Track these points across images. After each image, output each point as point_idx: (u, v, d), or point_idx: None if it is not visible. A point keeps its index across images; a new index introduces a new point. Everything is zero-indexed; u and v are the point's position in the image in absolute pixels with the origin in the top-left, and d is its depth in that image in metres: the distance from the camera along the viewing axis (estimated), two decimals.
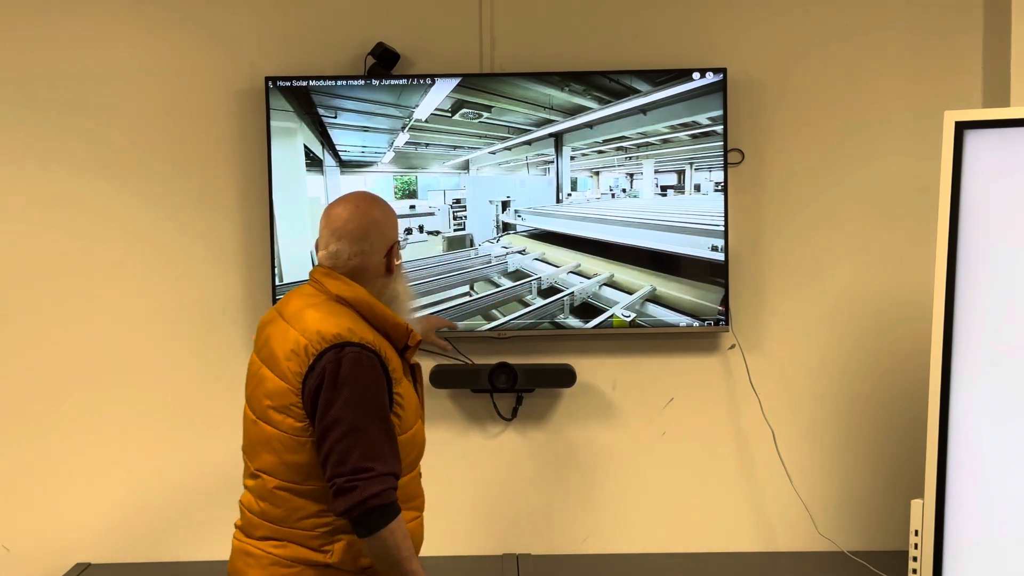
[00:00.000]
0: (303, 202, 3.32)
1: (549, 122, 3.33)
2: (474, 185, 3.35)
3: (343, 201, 2.28)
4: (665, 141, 3.33)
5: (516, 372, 3.34)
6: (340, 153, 3.32)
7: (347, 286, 2.21)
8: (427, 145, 3.33)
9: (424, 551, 3.43)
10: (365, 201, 2.28)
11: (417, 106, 3.31)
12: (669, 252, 3.35)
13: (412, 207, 3.35)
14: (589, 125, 3.33)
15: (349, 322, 2.15)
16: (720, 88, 3.31)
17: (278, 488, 2.17)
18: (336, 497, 2.08)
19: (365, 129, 3.33)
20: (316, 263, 2.31)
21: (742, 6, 3.41)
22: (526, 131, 3.34)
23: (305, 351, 2.12)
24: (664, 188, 3.34)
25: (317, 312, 2.17)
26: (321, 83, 3.29)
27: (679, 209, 3.34)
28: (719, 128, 3.31)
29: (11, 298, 3.40)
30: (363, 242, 2.23)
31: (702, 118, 3.31)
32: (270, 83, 3.29)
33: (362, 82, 3.30)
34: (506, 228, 3.37)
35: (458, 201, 3.36)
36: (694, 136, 3.32)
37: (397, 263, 2.29)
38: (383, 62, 3.31)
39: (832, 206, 3.44)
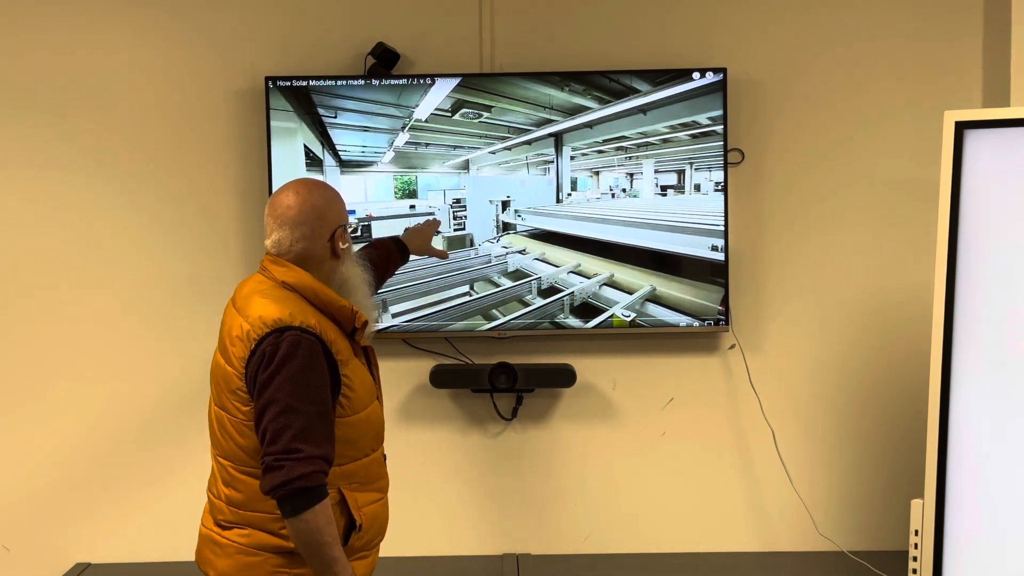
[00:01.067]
0: None
1: (549, 122, 3.33)
2: (474, 185, 3.35)
3: (285, 189, 2.30)
4: (665, 141, 3.33)
5: (516, 372, 3.34)
6: (340, 153, 3.32)
7: (291, 272, 2.22)
8: (427, 145, 3.33)
9: (425, 551, 3.45)
10: (305, 187, 2.28)
11: (417, 106, 3.31)
12: (669, 252, 3.35)
13: (412, 207, 3.35)
14: (589, 125, 3.33)
15: (292, 307, 2.16)
16: (720, 88, 3.31)
17: (236, 471, 2.20)
18: (264, 474, 2.09)
19: (365, 129, 3.33)
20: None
21: (742, 6, 3.41)
22: (526, 131, 3.34)
23: (247, 336, 2.14)
24: (664, 188, 3.34)
25: (262, 298, 2.19)
26: (321, 83, 3.29)
27: (679, 209, 3.34)
28: (719, 128, 3.31)
29: (10, 299, 3.40)
30: (303, 227, 2.24)
31: (702, 118, 3.31)
32: (270, 83, 3.29)
33: (362, 82, 3.30)
34: (506, 228, 3.37)
35: (458, 201, 3.36)
36: (694, 136, 3.32)
37: (343, 247, 2.29)
38: (383, 62, 3.31)
39: (832, 205, 3.44)
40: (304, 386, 2.10)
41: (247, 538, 2.19)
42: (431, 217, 3.27)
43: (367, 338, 2.34)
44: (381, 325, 3.31)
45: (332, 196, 2.31)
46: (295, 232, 2.24)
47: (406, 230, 2.92)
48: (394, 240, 2.83)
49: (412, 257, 2.88)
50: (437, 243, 3.34)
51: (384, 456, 2.37)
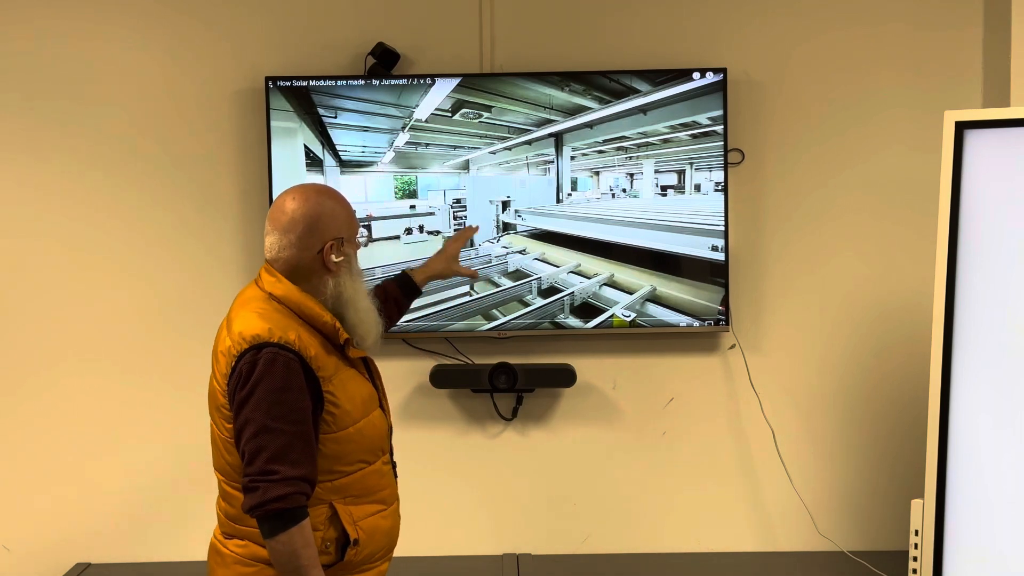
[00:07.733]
0: None
1: (549, 122, 3.33)
2: (474, 185, 3.35)
3: (286, 192, 2.22)
4: (665, 141, 3.33)
5: (516, 372, 3.33)
6: (340, 153, 3.32)
7: (279, 283, 2.17)
8: (427, 145, 3.33)
9: (425, 551, 3.45)
10: (303, 193, 2.19)
11: (417, 106, 3.31)
12: (669, 252, 3.35)
13: (412, 207, 3.35)
14: (589, 125, 3.33)
15: (272, 322, 2.10)
16: (720, 88, 3.31)
17: (227, 486, 2.19)
18: (244, 495, 2.07)
19: (365, 129, 3.33)
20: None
21: (742, 6, 3.41)
22: (526, 131, 3.34)
23: (229, 352, 2.10)
24: (664, 188, 3.34)
25: (248, 312, 2.14)
26: (321, 83, 3.29)
27: (679, 209, 3.34)
28: (719, 128, 3.31)
29: (10, 296, 3.40)
30: (291, 235, 2.16)
31: (702, 118, 3.31)
32: (270, 83, 3.29)
33: (362, 82, 3.30)
34: (506, 228, 3.37)
35: (458, 201, 3.35)
36: (694, 136, 3.32)
37: (336, 260, 2.18)
38: (383, 62, 3.31)
39: (832, 205, 3.44)
40: (280, 405, 2.05)
41: (243, 549, 2.18)
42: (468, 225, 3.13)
43: (368, 350, 2.28)
44: None
45: (332, 206, 2.20)
46: (283, 239, 2.17)
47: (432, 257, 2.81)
48: (398, 279, 2.70)
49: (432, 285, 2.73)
50: (437, 244, 3.34)
51: (394, 464, 2.34)
